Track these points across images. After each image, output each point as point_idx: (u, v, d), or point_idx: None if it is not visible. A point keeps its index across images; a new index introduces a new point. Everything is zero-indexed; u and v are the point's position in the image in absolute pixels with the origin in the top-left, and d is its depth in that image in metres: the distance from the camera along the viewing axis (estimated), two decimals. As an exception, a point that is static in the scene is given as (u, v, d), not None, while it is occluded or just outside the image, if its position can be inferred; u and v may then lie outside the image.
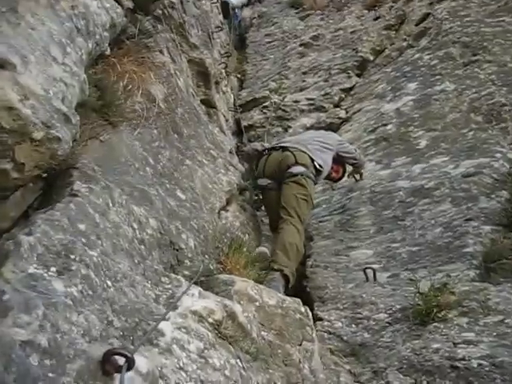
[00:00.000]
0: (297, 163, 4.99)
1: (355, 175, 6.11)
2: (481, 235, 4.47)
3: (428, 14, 8.79)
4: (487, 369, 2.87)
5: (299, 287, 4.63)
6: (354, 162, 5.84)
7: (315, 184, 5.25)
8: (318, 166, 5.13)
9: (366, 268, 4.54)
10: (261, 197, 5.45)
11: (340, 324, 4.00)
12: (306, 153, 5.11)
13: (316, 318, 3.95)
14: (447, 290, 3.66)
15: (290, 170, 4.96)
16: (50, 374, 1.47)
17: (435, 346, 3.24)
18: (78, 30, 2.84)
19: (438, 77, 7.21)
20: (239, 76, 9.56)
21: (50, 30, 2.58)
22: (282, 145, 5.29)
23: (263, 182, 5.20)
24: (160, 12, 4.98)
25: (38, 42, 2.45)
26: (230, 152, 5.72)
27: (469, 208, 4.86)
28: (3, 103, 2.06)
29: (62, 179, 2.45)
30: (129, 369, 1.61)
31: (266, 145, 5.73)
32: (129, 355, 1.60)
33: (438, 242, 4.63)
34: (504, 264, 4.10)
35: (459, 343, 3.19)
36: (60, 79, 2.46)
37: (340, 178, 6.01)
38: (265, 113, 8.26)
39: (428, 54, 7.83)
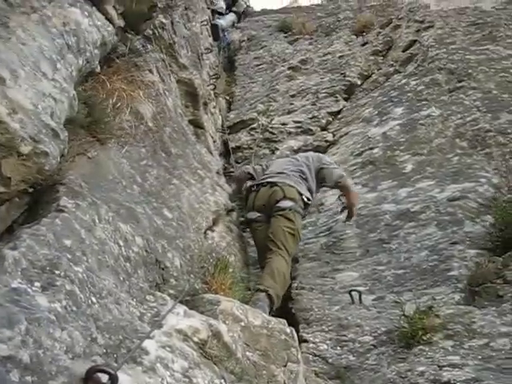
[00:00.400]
0: (285, 197, 5.03)
1: (340, 198, 6.14)
2: (466, 259, 4.49)
3: (415, 41, 8.94)
4: (472, 392, 2.86)
5: (284, 309, 4.60)
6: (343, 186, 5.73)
7: (303, 217, 5.29)
8: (306, 200, 5.19)
9: (352, 290, 4.54)
10: (250, 230, 5.45)
11: (325, 346, 3.97)
12: (294, 187, 5.15)
13: (301, 340, 3.92)
14: (432, 313, 3.66)
15: (278, 205, 4.99)
16: (32, 391, 1.44)
17: (420, 368, 3.22)
18: (69, 47, 2.86)
19: (424, 102, 7.30)
20: (227, 98, 9.60)
21: (40, 46, 2.59)
22: (270, 180, 5.30)
23: (252, 215, 5.23)
24: (150, 32, 5.03)
25: (28, 58, 2.46)
26: (218, 173, 5.73)
27: (454, 232, 4.88)
28: (-9, 117, 2.05)
29: (49, 195, 2.43)
30: (112, 386, 1.58)
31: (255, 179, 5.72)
32: (112, 372, 1.57)
33: (424, 265, 4.65)
34: (489, 288, 4.11)
35: (444, 366, 3.18)
36: (49, 95, 2.46)
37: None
38: (252, 135, 8.28)
39: (414, 80, 7.94)
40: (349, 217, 5.59)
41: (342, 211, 5.84)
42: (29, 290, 1.72)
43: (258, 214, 5.16)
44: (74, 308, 1.84)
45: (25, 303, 1.64)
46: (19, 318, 1.56)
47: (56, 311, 1.72)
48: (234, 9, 12.00)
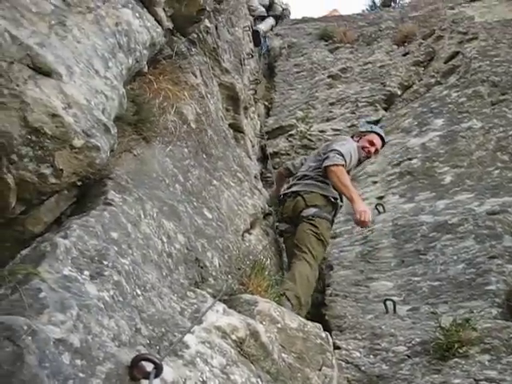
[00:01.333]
0: (307, 206, 4.99)
1: (376, 205, 6.11)
2: (504, 273, 4.42)
3: (457, 53, 8.85)
4: (509, 408, 2.82)
5: (317, 315, 4.60)
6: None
7: (332, 220, 5.19)
8: (333, 200, 5.10)
9: (386, 300, 4.51)
10: (283, 240, 5.44)
11: (358, 354, 3.96)
12: (315, 192, 5.08)
13: (334, 347, 3.90)
14: (469, 326, 3.62)
15: (302, 214, 4.96)
16: (81, 374, 1.49)
17: (456, 381, 3.20)
18: (120, 46, 2.93)
19: (465, 114, 7.23)
20: (266, 103, 9.65)
21: (94, 45, 2.66)
22: (293, 190, 5.24)
23: (282, 226, 5.24)
24: (195, 35, 5.10)
25: (82, 55, 2.54)
26: (256, 177, 5.77)
27: (492, 246, 4.81)
28: (48, 110, 2.12)
29: (97, 188, 2.49)
30: (157, 375, 1.62)
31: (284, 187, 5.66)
32: (158, 361, 1.61)
33: (460, 278, 4.59)
34: (527, 304, 4.05)
35: (481, 380, 3.14)
36: (101, 91, 2.53)
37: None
38: (290, 141, 8.32)
39: (456, 92, 7.86)
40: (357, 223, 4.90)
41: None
42: (79, 277, 1.77)
43: (287, 226, 5.17)
44: (121, 298, 1.88)
45: (75, 290, 1.70)
46: (71, 303, 1.61)
47: (104, 300, 1.77)
48: (271, 12, 12.06)
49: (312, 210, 4.90)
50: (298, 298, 4.19)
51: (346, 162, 4.98)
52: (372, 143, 5.53)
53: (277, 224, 5.33)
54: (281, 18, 13.00)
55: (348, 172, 5.13)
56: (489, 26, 9.16)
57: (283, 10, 13.21)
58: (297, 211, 4.99)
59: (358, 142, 5.52)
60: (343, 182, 4.85)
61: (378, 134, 5.67)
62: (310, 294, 4.53)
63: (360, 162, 5.61)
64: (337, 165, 4.90)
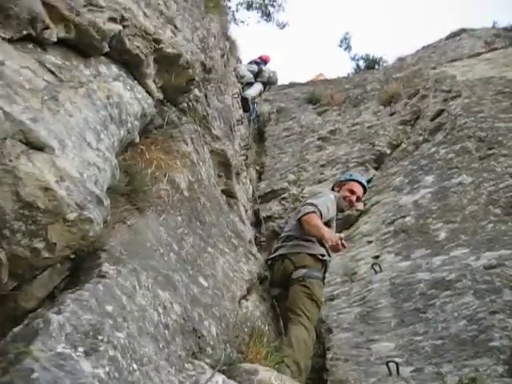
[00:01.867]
0: (296, 268, 4.96)
1: (373, 265, 6.07)
2: (507, 329, 4.35)
3: (442, 110, 9.05)
4: None
5: (319, 380, 4.49)
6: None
7: (323, 278, 5.14)
8: (321, 257, 5.07)
9: (389, 362, 4.41)
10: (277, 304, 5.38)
11: (364, 420, 3.84)
12: (301, 252, 5.04)
13: (338, 413, 3.80)
14: (476, 386, 3.53)
15: (292, 277, 4.92)
16: None
17: None
18: (112, 118, 2.97)
19: (454, 170, 7.31)
20: (258, 168, 9.76)
21: (86, 118, 2.70)
22: (280, 253, 5.22)
23: (274, 291, 5.19)
24: (185, 105, 5.19)
25: (74, 128, 2.57)
26: (250, 242, 5.74)
27: (493, 300, 4.76)
28: (40, 184, 2.13)
29: (90, 261, 2.47)
30: None
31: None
32: None
33: (463, 335, 4.51)
34: (533, 359, 3.97)
35: None
36: (94, 163, 2.54)
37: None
38: (283, 204, 8.36)
39: (444, 148, 7.98)
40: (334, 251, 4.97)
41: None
42: (73, 354, 1.73)
43: (279, 290, 5.11)
44: (117, 374, 1.83)
45: (69, 368, 1.65)
46: (64, 382, 1.56)
47: (99, 377, 1.72)
48: (259, 79, 12.32)
49: (302, 272, 4.86)
50: (297, 363, 4.11)
51: (320, 211, 4.98)
52: (352, 192, 5.59)
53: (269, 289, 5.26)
54: (269, 83, 13.28)
55: (327, 223, 5.12)
56: (471, 84, 9.40)
57: (270, 76, 13.52)
58: (286, 274, 4.96)
59: (338, 191, 5.55)
60: (312, 223, 4.88)
61: (358, 181, 5.73)
62: (309, 357, 4.45)
63: (343, 211, 5.62)
64: (307, 213, 4.95)
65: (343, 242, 4.76)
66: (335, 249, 4.78)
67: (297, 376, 3.88)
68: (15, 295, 2.27)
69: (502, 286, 4.89)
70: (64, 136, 2.42)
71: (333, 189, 5.80)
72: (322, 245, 5.05)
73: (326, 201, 5.21)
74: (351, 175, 5.98)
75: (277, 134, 11.01)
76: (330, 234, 4.85)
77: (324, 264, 5.11)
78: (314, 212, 4.95)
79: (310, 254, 5.00)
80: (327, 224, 5.11)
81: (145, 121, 3.66)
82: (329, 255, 5.14)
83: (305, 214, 4.96)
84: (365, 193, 6.02)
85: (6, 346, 1.74)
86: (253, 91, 11.02)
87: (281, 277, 5.03)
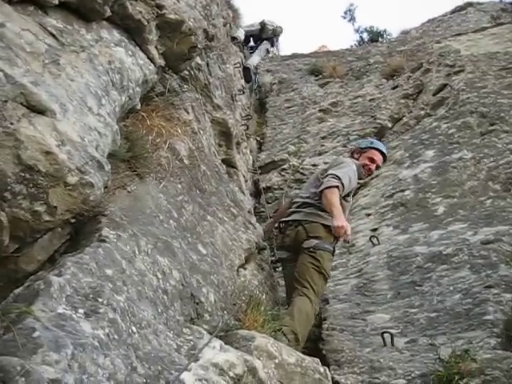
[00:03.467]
0: (308, 237, 4.96)
1: (371, 238, 6.10)
2: (501, 303, 4.39)
3: (445, 85, 8.98)
4: None
5: (315, 349, 4.54)
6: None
7: (333, 251, 5.10)
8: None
9: (384, 332, 4.46)
10: (281, 267, 5.39)
11: (357, 389, 3.90)
12: (317, 222, 5.04)
13: (333, 382, 3.85)
14: (469, 357, 3.57)
15: (303, 245, 4.91)
16: (76, 415, 1.46)
17: (457, 414, 3.14)
18: (113, 84, 2.96)
19: (455, 145, 7.29)
20: (258, 139, 9.72)
21: (87, 82, 2.69)
22: (294, 218, 5.17)
23: (282, 254, 5.17)
24: (187, 73, 5.15)
25: (76, 93, 2.56)
26: (249, 212, 5.75)
27: (488, 275, 4.80)
28: (41, 147, 2.13)
29: (90, 225, 2.48)
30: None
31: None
32: (155, 401, 1.58)
33: (457, 308, 4.56)
34: (526, 334, 4.02)
35: (482, 412, 3.09)
36: (95, 128, 2.54)
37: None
38: (283, 175, 8.34)
39: (446, 123, 7.95)
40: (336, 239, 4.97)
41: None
42: (73, 315, 1.75)
43: (288, 253, 5.10)
44: (116, 336, 1.85)
45: (70, 328, 1.67)
46: (65, 342, 1.58)
47: (99, 338, 1.75)
48: (264, 35, 12.10)
49: (313, 242, 4.82)
50: (295, 333, 4.14)
51: (343, 184, 4.90)
52: (372, 160, 5.47)
53: (275, 252, 5.27)
54: (275, 36, 12.94)
55: (347, 196, 5.11)
56: (475, 59, 9.32)
57: (274, 29, 13.14)
58: (298, 241, 4.93)
59: (357, 159, 5.48)
60: (330, 200, 4.79)
61: (378, 150, 5.61)
62: (309, 329, 4.48)
63: (361, 179, 5.54)
64: (330, 187, 4.84)
65: (348, 235, 4.80)
66: (337, 234, 4.76)
67: (293, 345, 3.91)
68: (16, 258, 2.29)
69: (499, 261, 4.93)
70: (65, 100, 2.42)
71: (352, 155, 5.66)
72: None
73: (349, 171, 5.10)
74: (372, 142, 5.74)
75: (278, 105, 10.94)
76: (341, 219, 4.76)
77: (337, 237, 5.01)
78: (337, 187, 4.85)
79: (325, 225, 4.93)
80: (346, 196, 5.11)
81: (146, 87, 3.64)
82: None
83: (328, 187, 4.86)
84: (385, 161, 5.90)
85: (8, 306, 1.76)
86: (255, 60, 10.87)
87: (292, 242, 5.01)
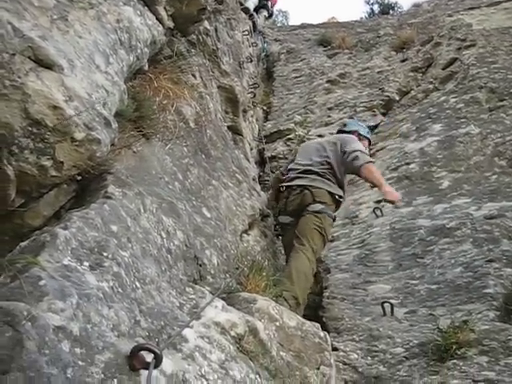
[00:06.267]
0: (315, 201, 4.98)
1: (374, 209, 6.10)
2: (502, 277, 4.41)
3: (455, 59, 8.90)
4: (507, 408, 2.81)
5: (315, 317, 4.58)
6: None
7: (334, 219, 5.17)
8: (338, 198, 5.11)
9: (384, 302, 4.50)
10: (281, 233, 5.41)
11: (355, 356, 3.93)
12: (323, 188, 5.07)
13: (332, 348, 3.89)
14: (467, 328, 3.60)
15: (308, 208, 4.94)
16: (80, 362, 1.48)
17: (454, 382, 3.17)
18: (122, 43, 2.93)
19: (463, 120, 7.26)
20: (265, 108, 9.67)
21: (95, 40, 2.67)
22: (299, 183, 5.21)
23: (285, 219, 5.19)
24: (195, 37, 5.10)
25: (84, 50, 2.54)
26: (254, 179, 5.75)
27: (490, 250, 4.81)
28: (49, 102, 2.12)
29: (96, 183, 2.49)
30: (156, 366, 1.61)
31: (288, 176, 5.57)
32: (157, 351, 1.60)
33: (458, 281, 4.58)
34: (525, 307, 4.04)
35: (479, 381, 3.13)
36: (102, 86, 2.53)
37: None
38: (288, 145, 8.34)
39: (454, 98, 7.90)
40: (389, 201, 5.17)
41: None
42: (79, 267, 1.76)
43: (291, 219, 5.12)
44: (120, 290, 1.87)
45: (75, 279, 1.69)
46: (71, 291, 1.60)
47: (104, 290, 1.76)
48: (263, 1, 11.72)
49: (319, 206, 4.89)
50: (295, 298, 4.19)
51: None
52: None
53: (276, 217, 5.31)
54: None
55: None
56: (487, 34, 9.20)
57: None
58: (303, 205, 4.97)
59: None
60: (375, 173, 5.14)
61: (370, 142, 5.89)
62: (308, 289, 4.53)
63: None
64: (369, 162, 5.13)
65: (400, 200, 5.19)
66: (393, 198, 4.97)
67: (294, 310, 3.96)
68: (22, 213, 2.30)
69: (501, 236, 4.94)
70: (73, 56, 2.40)
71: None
72: (341, 187, 5.16)
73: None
74: (368, 132, 5.96)
75: (286, 75, 10.86)
76: (390, 187, 5.18)
77: (338, 206, 5.19)
78: (373, 162, 5.19)
79: (330, 193, 5.04)
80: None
81: (154, 48, 3.61)
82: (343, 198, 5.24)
83: (366, 163, 5.06)
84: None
85: (15, 256, 1.77)
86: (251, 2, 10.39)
87: (296, 206, 5.05)
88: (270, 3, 11.70)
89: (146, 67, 3.51)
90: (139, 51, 3.19)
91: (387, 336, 4.07)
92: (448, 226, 5.38)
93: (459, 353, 3.48)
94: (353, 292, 5.02)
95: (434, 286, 4.68)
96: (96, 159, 2.31)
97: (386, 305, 4.47)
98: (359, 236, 6.02)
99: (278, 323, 2.84)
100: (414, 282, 4.87)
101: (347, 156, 5.12)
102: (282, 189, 5.28)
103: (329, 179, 5.09)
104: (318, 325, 3.15)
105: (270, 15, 11.93)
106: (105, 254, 1.92)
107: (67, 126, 2.16)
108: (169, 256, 2.58)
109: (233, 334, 2.35)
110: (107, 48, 2.78)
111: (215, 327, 2.29)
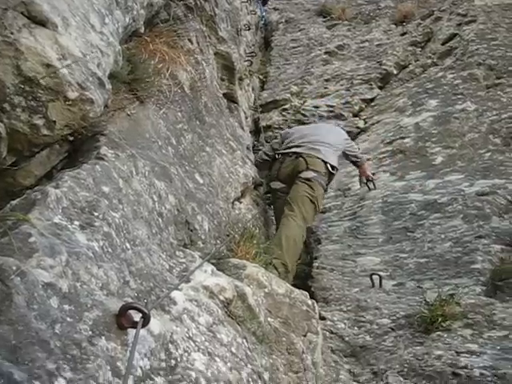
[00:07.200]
0: (308, 169, 5.00)
1: (367, 182, 6.12)
2: (490, 253, 4.47)
3: (455, 35, 8.82)
4: (489, 379, 2.86)
5: (304, 287, 4.62)
6: (357, 160, 5.94)
7: (325, 189, 5.24)
8: (330, 169, 5.15)
9: (373, 274, 4.54)
10: (273, 200, 5.45)
11: (342, 325, 3.99)
12: (318, 157, 5.12)
13: (319, 317, 3.93)
14: (453, 302, 3.66)
15: (300, 175, 4.97)
16: (68, 319, 1.48)
17: (438, 352, 3.23)
18: (117, 3, 2.89)
19: (459, 96, 7.24)
20: (261, 77, 9.58)
21: (90, -1, 2.62)
22: (295, 150, 5.25)
23: (276, 185, 5.22)
24: (192, 2, 5.02)
25: (79, 8, 2.49)
26: (248, 148, 5.74)
27: (480, 226, 4.85)
28: (42, 60, 2.09)
29: (89, 144, 2.47)
30: (144, 325, 1.62)
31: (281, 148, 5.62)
32: (145, 311, 1.61)
33: (447, 256, 4.63)
34: (511, 283, 4.10)
35: (462, 352, 3.18)
36: (97, 46, 2.49)
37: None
38: (284, 115, 8.29)
39: (452, 74, 7.86)
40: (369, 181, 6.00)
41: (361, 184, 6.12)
42: (69, 226, 1.76)
43: (282, 185, 5.16)
44: (110, 250, 1.87)
45: (65, 237, 1.68)
46: (60, 249, 1.60)
47: (94, 249, 1.76)
48: None
49: (312, 174, 4.95)
50: (284, 265, 4.23)
51: None
52: None
53: (268, 183, 5.34)
54: None
55: None
56: (488, 9, 9.11)
57: None
58: (295, 171, 5.02)
59: None
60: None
61: None
62: (298, 254, 4.58)
63: None
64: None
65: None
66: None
67: (284, 277, 4.00)
68: (14, 171, 2.29)
69: (492, 213, 4.98)
70: (67, 14, 2.35)
71: None
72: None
73: None
74: None
75: (283, 45, 10.74)
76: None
77: (331, 178, 5.30)
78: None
79: (324, 162, 5.13)
80: None
81: (151, 11, 3.55)
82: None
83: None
84: None
85: (5, 214, 1.77)
86: None
87: (289, 172, 5.10)
88: None
89: (142, 30, 3.46)
90: (135, 13, 3.14)
91: (374, 307, 4.13)
92: (440, 202, 5.41)
93: (444, 325, 3.55)
94: (342, 263, 5.06)
95: (422, 260, 4.72)
96: (89, 119, 2.29)
97: (374, 277, 4.52)
98: (351, 208, 6.05)
99: (266, 290, 2.85)
100: (403, 255, 4.91)
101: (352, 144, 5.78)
102: (277, 156, 5.31)
103: (327, 151, 5.23)
104: (306, 293, 3.18)
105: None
106: (95, 214, 1.92)
107: (60, 84, 2.13)
108: (160, 219, 2.58)
109: (221, 298, 2.36)
110: (103, 8, 2.73)
111: (204, 291, 2.30)
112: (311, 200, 4.81)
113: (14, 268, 1.40)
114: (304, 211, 4.72)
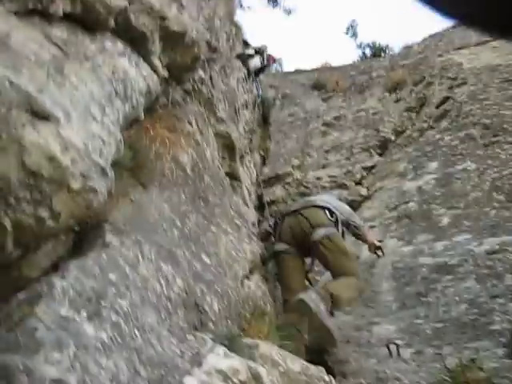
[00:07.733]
0: (312, 227, 4.95)
1: (376, 251, 6.07)
2: (508, 312, 4.38)
3: (448, 98, 9.03)
4: None
5: (320, 361, 4.51)
6: (359, 233, 5.71)
7: (343, 233, 5.17)
8: (329, 216, 5.09)
9: (390, 343, 4.44)
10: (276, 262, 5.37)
11: (363, 399, 3.87)
12: (316, 206, 5.08)
13: (338, 393, 3.82)
14: (476, 367, 3.55)
15: (312, 240, 4.89)
16: (79, 415, 1.45)
17: (465, 422, 3.11)
18: (117, 94, 2.97)
19: (459, 156, 7.32)
20: (262, 153, 9.71)
21: (91, 91, 2.70)
22: (292, 209, 5.28)
23: (280, 247, 5.17)
24: (190, 86, 5.17)
25: (79, 101, 2.56)
26: (253, 224, 5.75)
27: (494, 285, 4.79)
28: (45, 153, 2.13)
29: (94, 232, 2.48)
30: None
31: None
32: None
33: (463, 319, 4.55)
34: (533, 342, 3.99)
35: (491, 420, 3.06)
36: (98, 136, 2.55)
37: None
38: (287, 189, 8.37)
39: (449, 135, 7.99)
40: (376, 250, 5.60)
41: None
42: (76, 318, 1.74)
43: (287, 246, 5.09)
44: (119, 339, 1.85)
45: (73, 330, 1.66)
46: (68, 342, 1.58)
47: (102, 340, 1.74)
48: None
49: (322, 231, 4.86)
50: (333, 294, 4.35)
51: None
52: None
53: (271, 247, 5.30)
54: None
55: None
56: (477, 71, 9.36)
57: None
58: (302, 234, 4.99)
59: None
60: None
61: None
62: (351, 296, 4.64)
63: None
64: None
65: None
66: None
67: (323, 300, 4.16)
68: (19, 264, 2.29)
69: (504, 271, 4.92)
70: (69, 108, 2.42)
71: None
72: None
73: None
74: None
75: (281, 120, 10.98)
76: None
77: (336, 224, 5.12)
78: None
79: (322, 207, 5.11)
80: None
81: (150, 98, 3.65)
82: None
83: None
84: None
85: (11, 309, 1.76)
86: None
87: (295, 234, 5.03)
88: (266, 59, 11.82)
89: (142, 116, 3.55)
90: (135, 101, 3.22)
91: (394, 378, 4.01)
92: (450, 263, 5.36)
93: (469, 393, 3.43)
94: (357, 334, 4.97)
95: (439, 325, 4.63)
96: (93, 209, 2.31)
97: (391, 346, 4.42)
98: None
99: (281, 368, 2.79)
100: (418, 321, 4.82)
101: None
102: (278, 220, 5.32)
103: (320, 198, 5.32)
104: (322, 368, 3.10)
105: (263, 68, 12.06)
106: (103, 303, 1.91)
107: (64, 175, 2.17)
108: (169, 303, 2.55)
109: (235, 380, 2.31)
110: (103, 99, 2.82)
111: (217, 375, 2.25)
112: (343, 253, 4.82)
113: (21, 367, 1.38)
114: (347, 268, 4.77)
